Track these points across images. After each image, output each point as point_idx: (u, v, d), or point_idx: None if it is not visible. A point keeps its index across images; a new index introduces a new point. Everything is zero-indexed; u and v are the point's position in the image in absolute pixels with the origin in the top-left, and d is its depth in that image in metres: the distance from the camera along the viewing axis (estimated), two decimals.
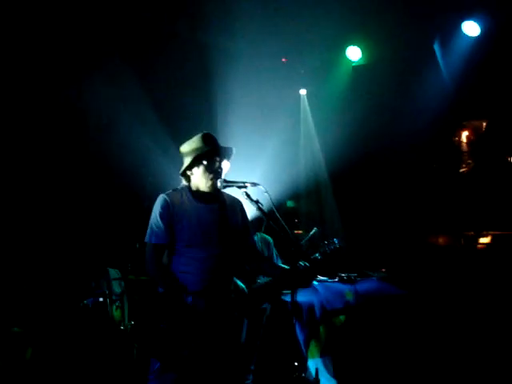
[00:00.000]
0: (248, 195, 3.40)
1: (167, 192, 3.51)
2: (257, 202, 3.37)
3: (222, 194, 3.59)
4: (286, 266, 5.48)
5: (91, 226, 6.20)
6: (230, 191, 3.62)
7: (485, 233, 7.38)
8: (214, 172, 3.44)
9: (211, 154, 3.45)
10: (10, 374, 4.54)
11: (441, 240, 8.04)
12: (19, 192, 5.68)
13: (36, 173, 5.93)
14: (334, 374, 5.77)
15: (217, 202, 3.54)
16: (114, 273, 5.57)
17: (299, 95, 8.09)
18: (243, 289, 4.04)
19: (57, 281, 5.17)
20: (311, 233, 5.82)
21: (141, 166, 5.98)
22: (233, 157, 3.58)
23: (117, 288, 5.55)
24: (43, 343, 4.79)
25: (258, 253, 3.92)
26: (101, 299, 4.90)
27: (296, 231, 7.59)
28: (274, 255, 5.74)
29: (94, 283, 5.20)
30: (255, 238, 5.62)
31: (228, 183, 3.45)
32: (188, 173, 3.50)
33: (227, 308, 3.48)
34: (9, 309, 4.88)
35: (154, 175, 5.49)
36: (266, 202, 3.43)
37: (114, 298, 5.02)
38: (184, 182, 3.58)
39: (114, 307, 4.97)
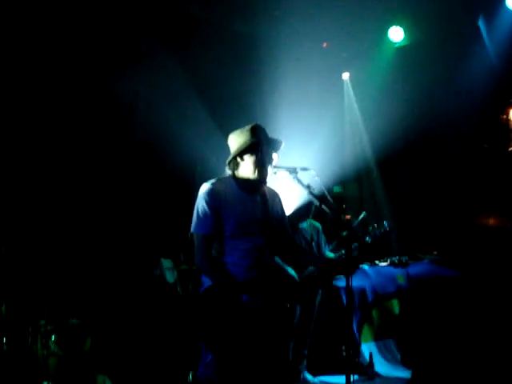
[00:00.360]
0: (299, 180, 3.41)
1: (212, 181, 3.47)
2: (308, 186, 3.37)
3: (263, 185, 3.58)
4: (332, 254, 5.55)
5: (143, 217, 6.32)
6: (274, 179, 3.62)
7: None
8: (265, 162, 3.45)
9: (263, 146, 3.45)
10: (72, 365, 4.67)
11: (492, 221, 7.89)
12: (75, 186, 5.82)
13: (87, 167, 6.06)
14: (401, 358, 5.73)
15: (259, 193, 3.56)
16: (167, 263, 5.67)
17: (342, 80, 8.02)
18: (294, 277, 4.07)
19: (113, 271, 5.29)
20: (360, 217, 5.82)
21: (189, 155, 6.03)
22: (281, 149, 3.59)
23: (170, 278, 5.66)
24: (101, 333, 4.93)
25: (298, 245, 3.92)
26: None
27: (345, 216, 7.56)
28: (323, 242, 5.77)
29: (148, 273, 5.31)
30: (304, 224, 5.66)
31: (279, 168, 3.46)
32: (238, 160, 3.48)
33: (279, 301, 3.46)
34: (67, 300, 5.02)
35: (203, 164, 5.55)
36: (316, 187, 3.44)
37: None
38: (228, 172, 3.57)
39: None
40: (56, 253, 5.25)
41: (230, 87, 6.47)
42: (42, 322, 4.57)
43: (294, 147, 5.36)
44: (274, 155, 3.53)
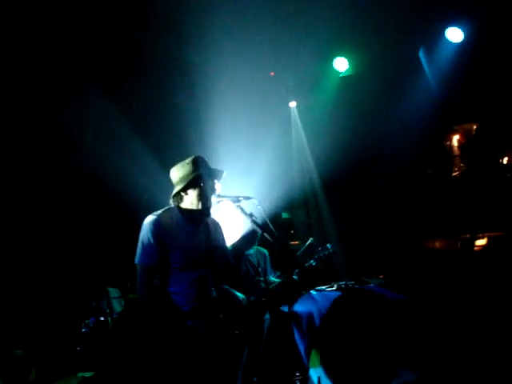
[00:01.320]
0: (242, 209, 3.46)
1: (157, 213, 3.50)
2: (251, 215, 3.43)
3: (206, 216, 3.63)
4: (277, 280, 5.60)
5: (89, 246, 6.25)
6: (217, 209, 3.67)
7: (481, 235, 7.43)
8: (208, 193, 3.50)
9: (205, 178, 3.51)
10: None
11: (438, 244, 8.08)
12: (20, 215, 5.73)
13: (35, 198, 5.99)
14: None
15: (202, 224, 3.62)
16: (114, 292, 5.62)
17: (289, 108, 8.17)
18: (243, 300, 4.11)
19: (58, 301, 5.21)
20: (307, 243, 5.89)
21: (135, 187, 6.02)
22: (223, 178, 3.65)
23: (118, 307, 5.60)
24: (46, 364, 4.83)
25: (239, 273, 3.99)
26: (102, 318, 4.92)
27: (292, 242, 7.66)
28: (269, 268, 5.81)
29: (94, 303, 5.24)
30: (251, 251, 5.71)
31: (222, 197, 3.52)
32: (182, 194, 3.52)
33: (225, 327, 3.52)
34: (10, 331, 4.92)
35: (149, 192, 5.55)
36: (259, 215, 3.50)
37: (114, 316, 5.06)
38: (172, 204, 3.60)
39: None
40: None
41: (172, 117, 6.49)
42: None
43: (241, 176, 5.45)
44: (217, 185, 3.57)
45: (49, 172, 6.12)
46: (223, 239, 3.77)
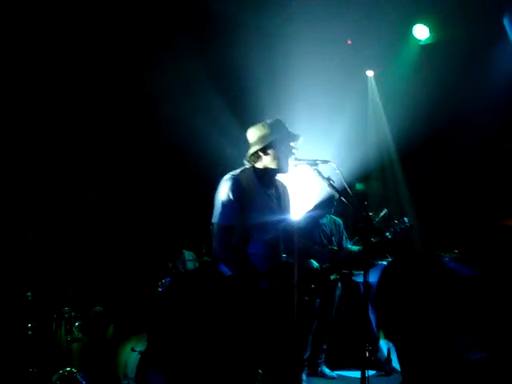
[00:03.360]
0: (319, 172, 3.45)
1: (235, 172, 3.52)
2: (328, 178, 3.41)
3: (276, 178, 3.65)
4: (354, 247, 5.57)
5: (167, 211, 6.42)
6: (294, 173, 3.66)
7: None
8: (287, 156, 3.51)
9: (284, 140, 3.51)
10: (95, 351, 4.77)
11: None
12: (102, 179, 5.93)
13: (114, 161, 6.19)
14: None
15: (274, 187, 3.63)
16: (188, 255, 5.76)
17: (366, 77, 8.02)
18: (317, 267, 4.12)
19: (137, 262, 5.39)
20: (381, 214, 5.82)
21: (211, 149, 6.09)
22: (300, 144, 3.63)
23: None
24: (124, 320, 5.03)
25: (300, 239, 3.92)
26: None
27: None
28: (344, 237, 5.79)
29: (171, 264, 5.39)
30: (325, 219, 5.70)
31: (299, 161, 3.51)
32: (260, 154, 3.54)
33: (297, 292, 3.50)
34: (92, 289, 5.13)
35: (225, 158, 5.62)
36: (337, 180, 3.47)
37: None
38: (247, 164, 3.61)
39: None
40: (82, 242, 5.38)
41: (251, 81, 6.49)
42: (67, 309, 4.68)
43: (316, 143, 5.41)
44: (295, 149, 3.57)
45: (128, 132, 6.26)
46: (289, 204, 3.75)
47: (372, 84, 8.00)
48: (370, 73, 8.00)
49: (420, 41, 7.56)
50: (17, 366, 4.53)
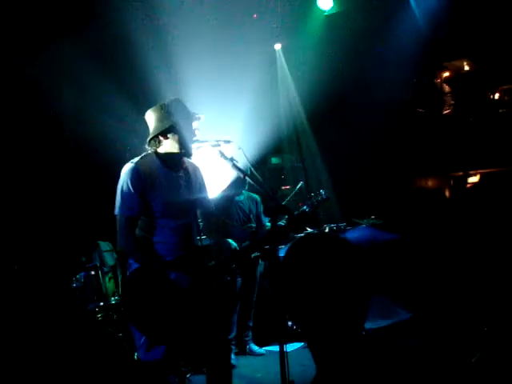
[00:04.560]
0: (222, 153, 3.37)
1: (134, 160, 3.34)
2: (231, 159, 3.34)
3: (184, 160, 3.49)
4: (268, 224, 5.58)
5: (78, 204, 6.21)
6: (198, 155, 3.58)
7: (473, 172, 7.40)
8: (188, 138, 3.38)
9: (184, 122, 3.37)
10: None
11: (430, 183, 8.07)
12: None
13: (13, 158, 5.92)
14: None
15: (182, 169, 3.47)
16: (105, 245, 5.60)
17: (274, 50, 8.00)
18: (235, 247, 4.07)
19: (47, 258, 5.17)
20: (297, 187, 5.86)
21: (116, 138, 5.91)
22: (204, 122, 3.52)
23: (110, 260, 5.58)
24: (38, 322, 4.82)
25: (220, 219, 3.85)
26: (92, 272, 4.89)
27: (283, 187, 7.62)
28: (262, 213, 5.78)
29: (84, 257, 5.21)
30: (241, 197, 5.66)
31: (201, 143, 3.42)
32: (161, 138, 3.38)
33: (216, 274, 3.42)
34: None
35: (132, 145, 5.45)
36: (241, 159, 3.42)
37: (105, 270, 5.03)
38: (149, 149, 3.45)
39: (107, 279, 4.98)
40: None
41: (150, 63, 6.30)
42: None
43: (226, 120, 5.34)
44: (196, 130, 3.46)
45: (29, 127, 6.00)
46: (204, 184, 3.63)
47: (281, 57, 8.00)
48: (277, 46, 7.99)
49: (324, 11, 7.60)
50: None
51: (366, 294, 1.67)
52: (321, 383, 1.70)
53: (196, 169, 3.60)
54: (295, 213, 3.88)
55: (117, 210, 3.30)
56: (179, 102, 3.43)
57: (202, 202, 3.58)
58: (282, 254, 5.53)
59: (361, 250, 1.74)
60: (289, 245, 1.77)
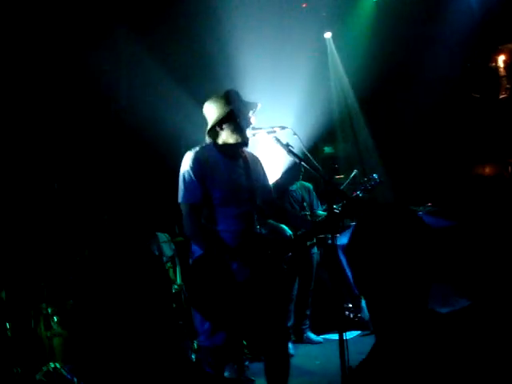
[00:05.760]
0: (278, 139, 3.38)
1: (195, 149, 3.41)
2: (287, 145, 3.34)
3: (243, 150, 3.54)
4: (323, 213, 5.58)
5: (137, 195, 6.34)
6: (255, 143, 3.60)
7: None
8: (244, 126, 3.41)
9: (240, 111, 3.41)
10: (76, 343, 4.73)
11: (487, 170, 7.88)
12: (65, 170, 5.83)
13: (74, 151, 6.08)
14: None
15: (241, 158, 3.52)
16: (163, 236, 5.71)
17: (324, 39, 7.96)
18: (290, 235, 4.07)
19: (111, 251, 5.31)
20: (352, 175, 5.83)
21: (172, 129, 6.00)
22: (259, 111, 3.54)
23: (168, 251, 5.70)
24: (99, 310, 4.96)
25: (283, 208, 3.88)
26: None
27: (337, 176, 7.58)
28: (315, 201, 5.78)
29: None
30: (294, 186, 5.67)
31: (256, 130, 3.44)
32: (217, 129, 3.43)
33: (273, 262, 3.46)
34: (65, 283, 5.04)
35: (186, 136, 5.54)
36: (297, 146, 3.42)
37: (164, 259, 5.14)
38: (208, 140, 3.51)
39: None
40: (49, 236, 5.28)
41: (206, 53, 6.36)
42: (43, 305, 4.62)
43: (279, 109, 5.35)
44: (252, 118, 3.48)
45: (86, 119, 6.15)
46: (264, 174, 3.66)
47: (331, 45, 7.95)
48: (327, 34, 7.95)
49: None
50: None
51: (432, 267, 1.67)
52: (378, 352, 1.71)
53: (255, 159, 3.65)
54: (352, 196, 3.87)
55: (180, 199, 3.38)
56: (233, 93, 3.47)
57: (262, 190, 3.61)
58: (338, 242, 5.59)
59: (429, 228, 1.73)
60: (361, 215, 1.77)
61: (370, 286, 1.69)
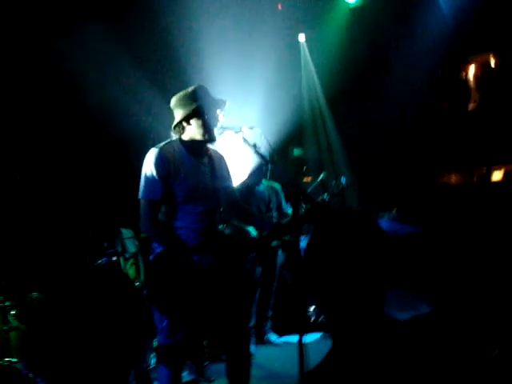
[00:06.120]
0: (245, 139, 3.37)
1: (160, 145, 3.39)
2: (254, 145, 3.33)
3: (209, 148, 3.53)
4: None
5: (100, 190, 6.25)
6: (221, 142, 3.59)
7: (497, 167, 7.33)
8: (212, 124, 3.39)
9: (208, 108, 3.39)
10: (33, 338, 4.64)
11: (453, 178, 8.00)
12: (26, 162, 5.73)
13: (37, 143, 5.98)
14: None
15: (206, 156, 3.50)
16: (126, 232, 5.64)
17: (298, 41, 7.98)
18: (254, 235, 4.06)
19: (71, 243, 5.24)
20: (320, 177, 5.84)
21: (138, 127, 5.95)
22: (227, 110, 3.53)
23: (131, 247, 5.63)
24: (61, 305, 4.89)
25: (244, 208, 3.87)
26: (114, 258, 4.94)
27: (305, 178, 7.61)
28: (283, 201, 5.77)
29: (106, 244, 5.25)
30: (261, 186, 5.65)
31: (224, 128, 3.42)
32: (184, 124, 3.41)
33: (234, 261, 3.45)
34: (24, 275, 4.96)
35: (155, 135, 5.49)
36: (264, 147, 3.41)
37: (127, 256, 5.08)
38: (174, 136, 3.49)
39: (128, 265, 5.04)
40: (10, 227, 5.18)
41: (174, 51, 6.32)
42: (1, 297, 4.52)
43: (248, 109, 5.34)
44: (220, 116, 3.46)
45: (52, 112, 6.06)
46: (228, 173, 3.66)
47: (304, 48, 7.98)
48: (301, 37, 7.97)
49: (350, 3, 7.56)
50: None
51: (389, 274, 1.67)
52: (334, 356, 1.71)
53: (220, 157, 3.64)
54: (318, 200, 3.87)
55: (140, 194, 3.35)
56: (203, 88, 3.46)
57: (225, 190, 3.60)
58: (302, 244, 5.58)
59: (386, 233, 1.73)
60: (319, 221, 1.77)
61: (324, 290, 1.69)
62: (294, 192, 3.14)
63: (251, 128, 3.39)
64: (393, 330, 1.76)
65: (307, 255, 1.71)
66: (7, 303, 4.52)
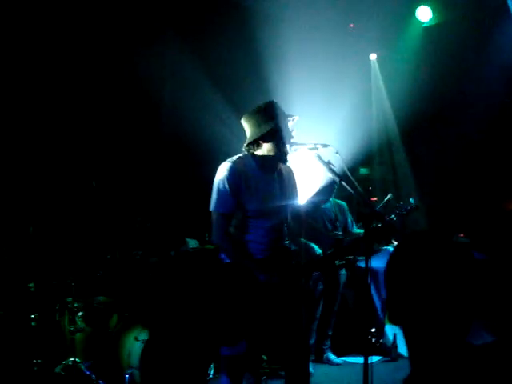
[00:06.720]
0: (319, 157, 3.37)
1: (232, 159, 3.41)
2: (328, 163, 3.33)
3: (279, 163, 3.53)
4: (360, 230, 5.51)
5: (170, 200, 6.39)
6: (293, 158, 3.60)
7: None
8: (286, 141, 3.40)
9: (282, 125, 3.40)
10: (98, 341, 4.76)
11: None
12: (103, 169, 5.92)
13: (113, 150, 6.17)
14: None
15: (276, 172, 3.52)
16: (192, 243, 5.73)
17: (369, 60, 7.94)
18: (320, 253, 4.05)
19: (140, 252, 5.36)
20: (386, 198, 5.76)
21: (210, 139, 6.04)
22: (299, 126, 3.53)
23: None
24: (128, 310, 5.00)
25: (310, 225, 3.88)
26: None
27: (371, 198, 7.52)
28: (349, 220, 5.72)
29: (173, 252, 5.36)
30: (328, 204, 5.63)
31: (298, 145, 3.43)
32: (260, 141, 3.40)
33: (295, 278, 3.45)
34: (94, 279, 5.10)
35: (227, 145, 5.56)
36: (337, 164, 3.41)
37: None
38: (245, 150, 3.50)
39: None
40: (83, 232, 5.35)
41: (251, 67, 6.41)
42: (70, 299, 4.66)
43: (318, 127, 5.34)
44: (293, 132, 3.48)
45: (127, 125, 6.25)
46: (296, 189, 3.67)
47: (375, 67, 7.93)
48: (373, 56, 7.93)
49: (423, 23, 7.47)
50: (20, 357, 4.52)
51: (479, 301, 1.64)
52: (412, 382, 1.68)
53: (290, 172, 3.65)
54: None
55: (212, 207, 3.40)
56: (276, 105, 3.46)
57: (292, 206, 3.62)
58: (361, 264, 5.50)
59: (477, 261, 1.69)
60: (404, 238, 1.74)
61: (407, 312, 1.66)
62: (368, 213, 3.11)
63: (325, 146, 3.39)
64: (472, 355, 1.72)
65: (390, 275, 1.69)
66: (76, 305, 4.66)
